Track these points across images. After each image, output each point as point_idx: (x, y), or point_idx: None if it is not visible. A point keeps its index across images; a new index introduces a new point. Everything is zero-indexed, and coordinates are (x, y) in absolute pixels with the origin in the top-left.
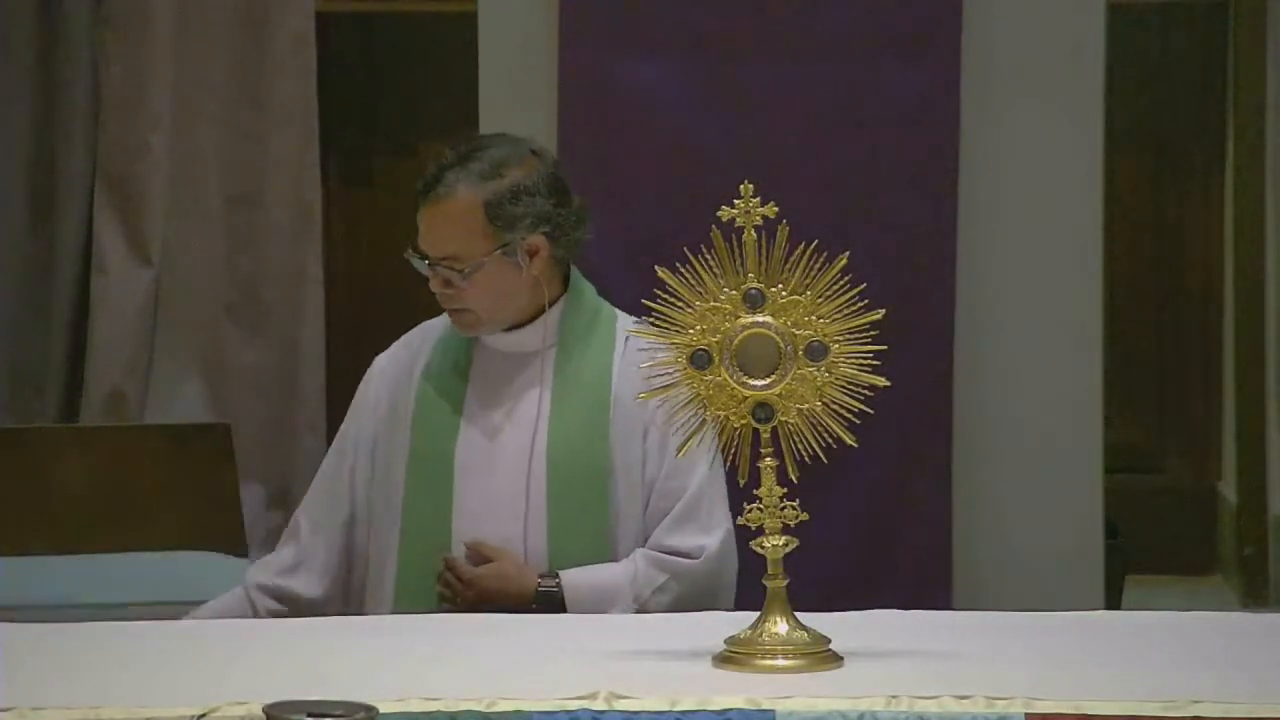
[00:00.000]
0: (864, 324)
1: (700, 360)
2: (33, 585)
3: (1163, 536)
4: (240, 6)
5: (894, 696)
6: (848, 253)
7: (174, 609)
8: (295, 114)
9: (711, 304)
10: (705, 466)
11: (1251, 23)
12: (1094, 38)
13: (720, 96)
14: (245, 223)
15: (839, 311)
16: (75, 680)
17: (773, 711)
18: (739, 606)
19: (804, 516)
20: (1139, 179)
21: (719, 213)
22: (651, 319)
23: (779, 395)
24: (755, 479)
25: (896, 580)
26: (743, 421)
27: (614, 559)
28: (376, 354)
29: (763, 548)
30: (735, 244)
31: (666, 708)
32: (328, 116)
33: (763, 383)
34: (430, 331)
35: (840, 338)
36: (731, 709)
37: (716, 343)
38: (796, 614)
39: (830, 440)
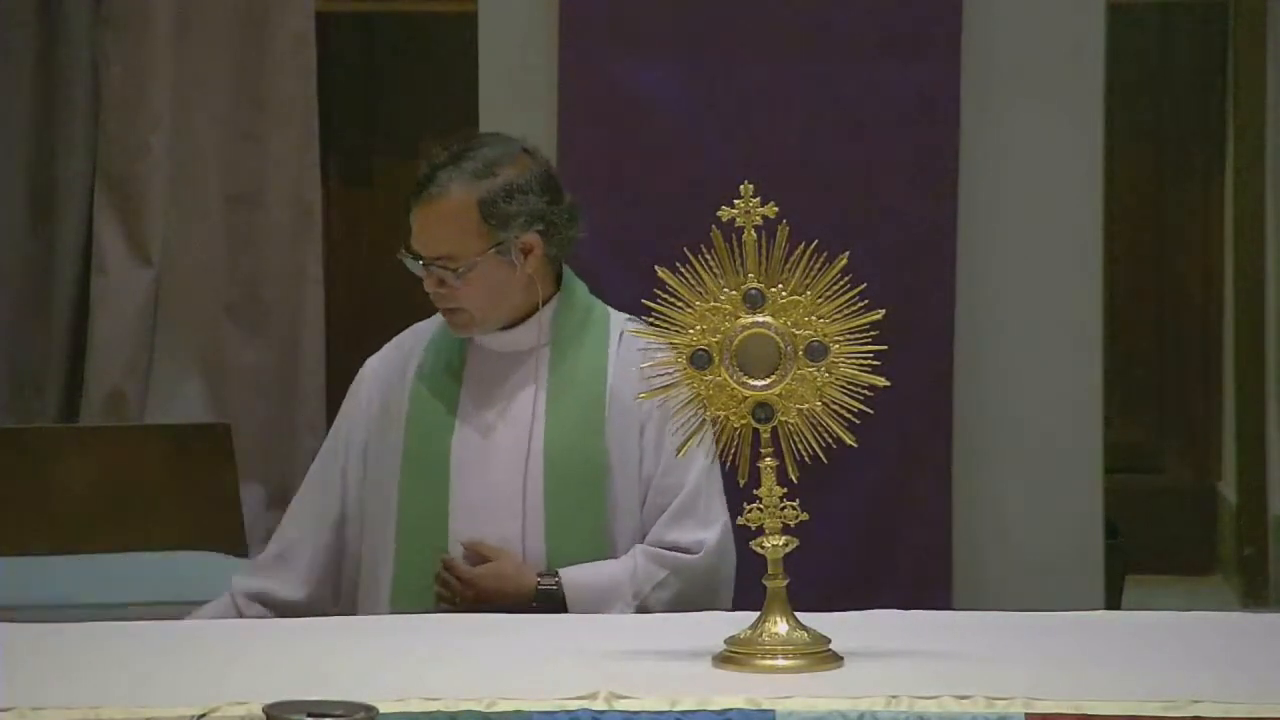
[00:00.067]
0: (864, 324)
1: (700, 360)
2: (33, 585)
3: (1163, 536)
4: (240, 6)
5: (894, 696)
6: (848, 253)
7: (174, 609)
8: (295, 114)
9: (711, 304)
10: (703, 461)
11: (1251, 23)
12: (1094, 38)
13: (720, 96)
14: (245, 223)
15: (839, 311)
16: (75, 680)
17: (773, 711)
18: (739, 607)
19: (804, 516)
20: (1139, 179)
21: (719, 213)
22: (651, 319)
23: (779, 395)
24: (755, 479)
25: (896, 580)
26: (743, 422)
27: (612, 556)
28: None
29: (763, 548)
30: (735, 244)
31: (666, 708)
32: (328, 116)
33: (763, 383)
34: (422, 333)
35: (840, 338)
36: (731, 709)
37: (716, 343)
38: (796, 614)
39: (830, 440)
